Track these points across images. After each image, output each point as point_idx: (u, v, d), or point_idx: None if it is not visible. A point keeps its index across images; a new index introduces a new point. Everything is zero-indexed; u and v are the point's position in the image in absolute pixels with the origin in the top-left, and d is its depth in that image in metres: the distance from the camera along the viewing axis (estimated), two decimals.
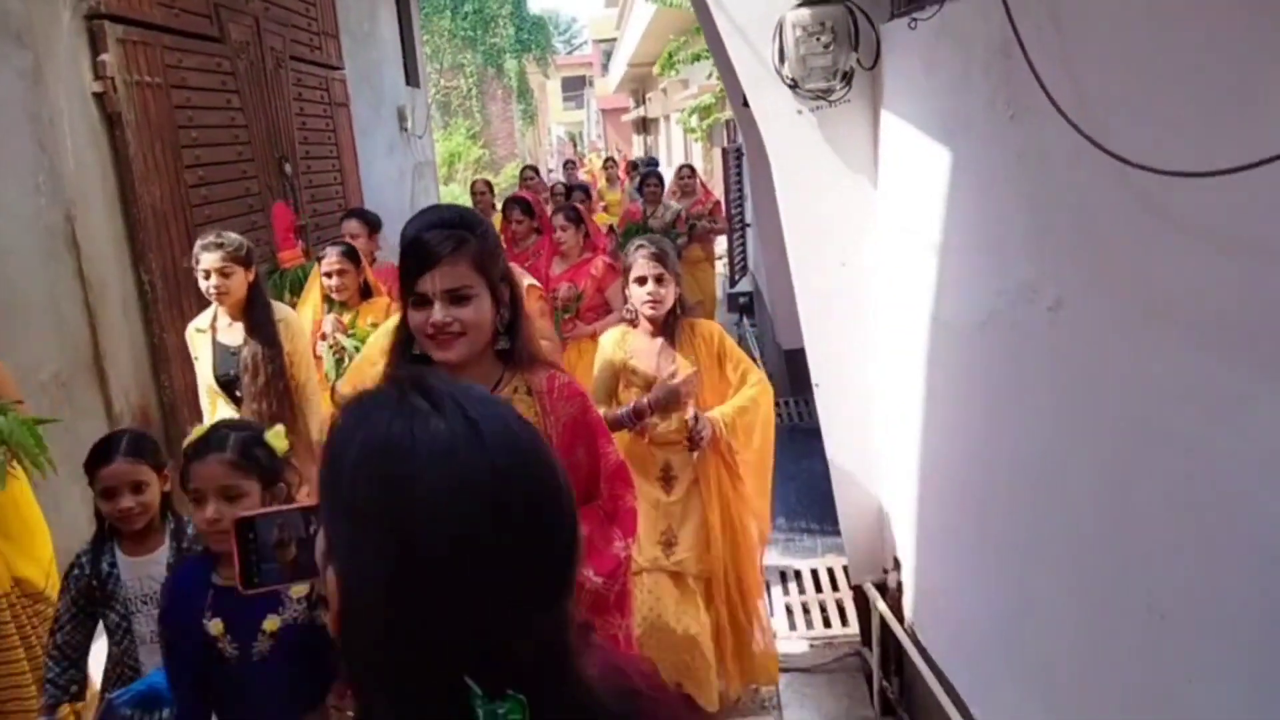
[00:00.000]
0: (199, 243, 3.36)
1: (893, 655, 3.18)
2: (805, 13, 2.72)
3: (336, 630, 0.76)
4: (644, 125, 28.06)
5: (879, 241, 2.93)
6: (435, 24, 20.23)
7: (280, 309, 3.54)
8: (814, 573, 4.23)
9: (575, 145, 40.02)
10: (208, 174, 4.83)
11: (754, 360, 7.64)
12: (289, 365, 3.45)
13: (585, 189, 7.29)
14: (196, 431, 1.97)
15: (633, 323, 3.00)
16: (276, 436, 1.97)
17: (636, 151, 31.47)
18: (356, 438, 0.75)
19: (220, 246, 3.30)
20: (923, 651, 2.92)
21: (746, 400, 2.97)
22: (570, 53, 44.98)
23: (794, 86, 2.82)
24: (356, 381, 2.10)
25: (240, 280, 3.33)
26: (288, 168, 5.85)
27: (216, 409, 3.46)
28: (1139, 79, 1.50)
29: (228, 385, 3.43)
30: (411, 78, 10.20)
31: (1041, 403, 1.97)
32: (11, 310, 3.75)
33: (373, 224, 4.89)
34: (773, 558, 4.30)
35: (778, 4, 2.78)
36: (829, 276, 3.08)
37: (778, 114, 2.94)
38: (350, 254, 4.10)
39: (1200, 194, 1.35)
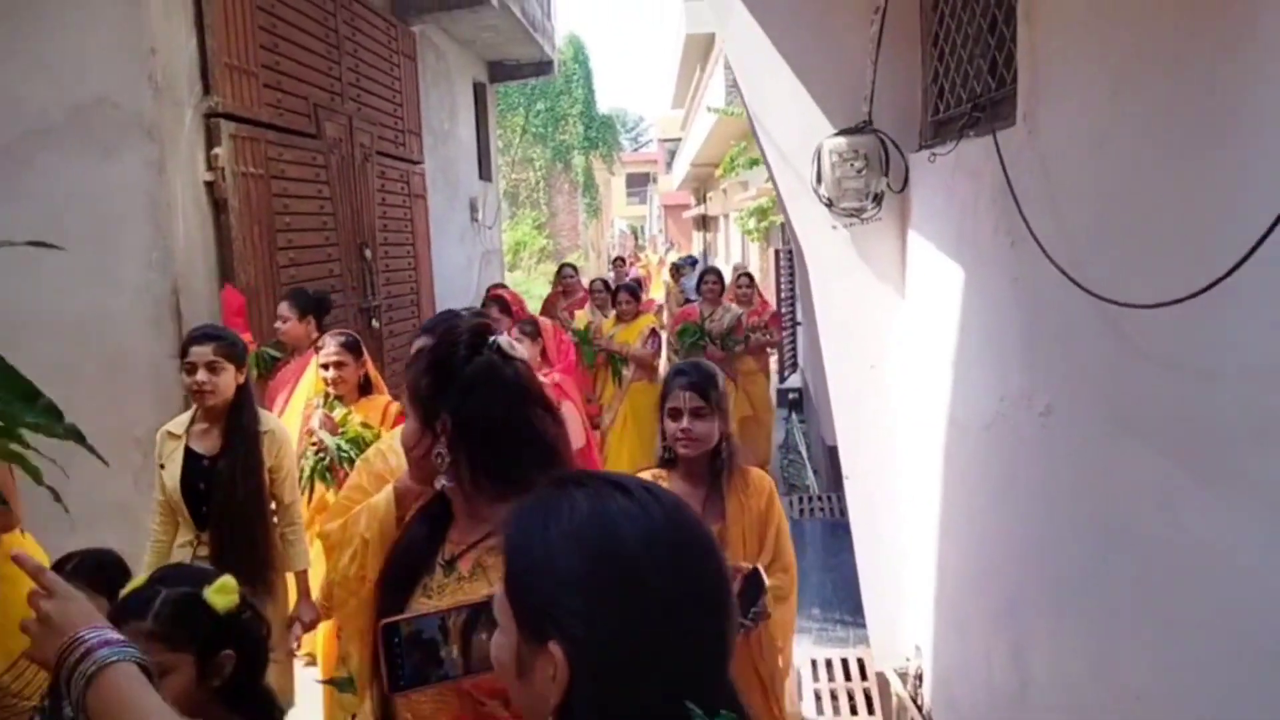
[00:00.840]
0: (189, 333, 3.09)
1: None
2: (841, 140, 3.05)
3: (556, 711, 0.81)
4: (704, 222, 28.82)
5: (905, 347, 3.18)
6: (509, 120, 21.31)
7: (267, 419, 3.20)
8: (844, 662, 4.34)
9: (636, 238, 41.13)
10: (297, 256, 5.29)
11: (804, 461, 7.82)
12: (270, 484, 3.09)
13: (633, 288, 6.81)
14: (134, 583, 1.68)
15: (670, 464, 2.49)
16: (222, 592, 1.62)
17: (696, 248, 32.23)
18: (551, 528, 0.82)
19: (212, 339, 3.00)
20: None
21: (780, 586, 2.46)
22: (636, 149, 46.58)
23: (829, 205, 3.13)
24: (342, 513, 1.81)
25: (229, 380, 2.98)
26: (368, 253, 6.33)
27: (169, 529, 3.07)
28: (1107, 219, 1.76)
29: (194, 501, 3.02)
30: (484, 172, 10.84)
31: (1034, 498, 2.18)
32: (117, 369, 4.17)
33: (305, 307, 4.34)
34: (805, 647, 4.44)
35: (817, 131, 3.11)
36: (859, 378, 3.33)
37: (815, 228, 3.25)
38: (351, 345, 3.78)
39: (1152, 322, 1.59)
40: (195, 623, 1.58)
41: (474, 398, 1.51)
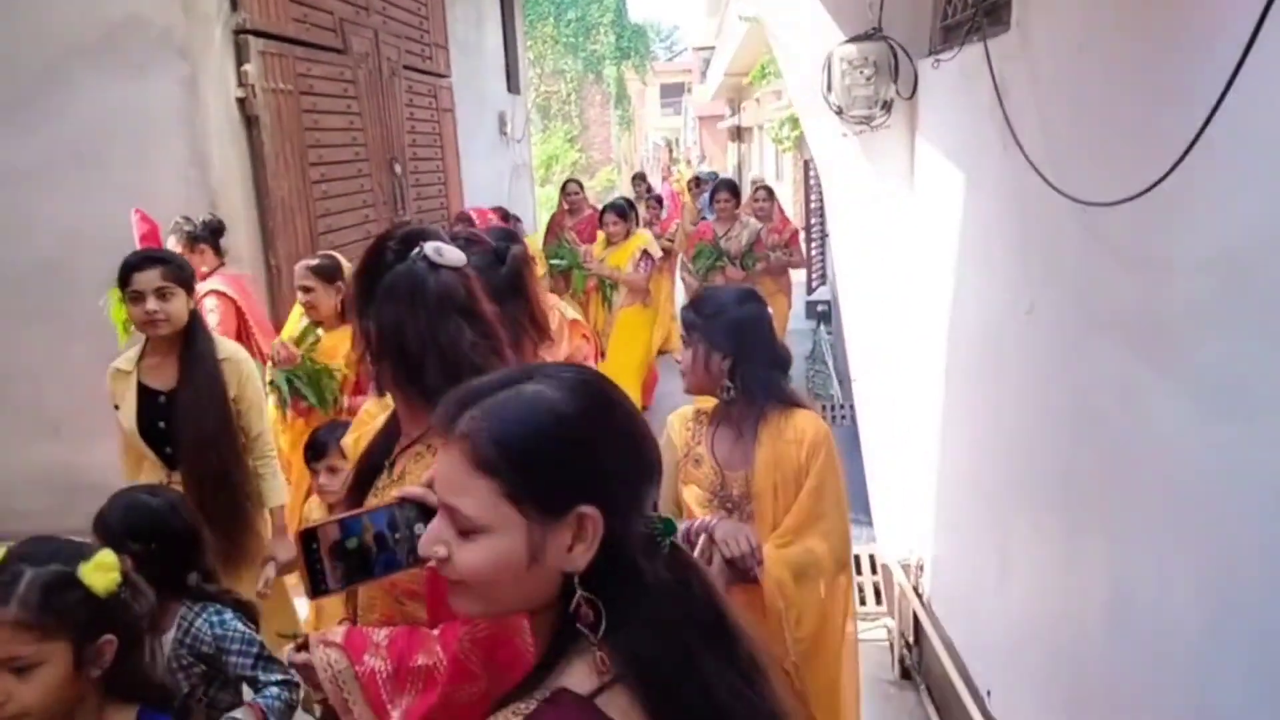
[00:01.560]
0: (128, 259, 2.78)
1: (911, 627, 3.49)
2: (851, 48, 3.08)
3: (581, 577, 0.90)
4: (738, 134, 28.35)
5: (911, 252, 3.26)
6: (538, 30, 20.98)
7: (225, 345, 2.94)
8: (856, 558, 4.55)
9: (671, 151, 40.54)
10: (328, 172, 5.42)
11: (830, 372, 7.86)
12: (236, 416, 2.85)
13: (620, 206, 6.35)
14: None
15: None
16: (100, 570, 1.41)
17: (730, 160, 31.70)
18: (539, 410, 0.91)
19: (160, 262, 2.73)
20: (936, 624, 3.23)
21: (804, 557, 2.07)
22: (670, 59, 45.54)
23: (839, 113, 3.18)
24: (359, 428, 1.86)
25: (181, 306, 2.72)
26: (397, 168, 6.43)
27: (142, 472, 2.83)
28: (1082, 123, 1.84)
29: (156, 441, 2.80)
30: (513, 84, 10.79)
31: (1018, 395, 2.30)
32: None
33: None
34: None
35: (827, 39, 3.15)
36: (868, 282, 3.43)
37: (826, 136, 3.31)
38: (321, 270, 3.59)
39: (1116, 219, 1.68)
40: (69, 607, 1.37)
41: (388, 305, 1.49)
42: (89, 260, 4.15)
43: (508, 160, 10.25)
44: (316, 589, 1.19)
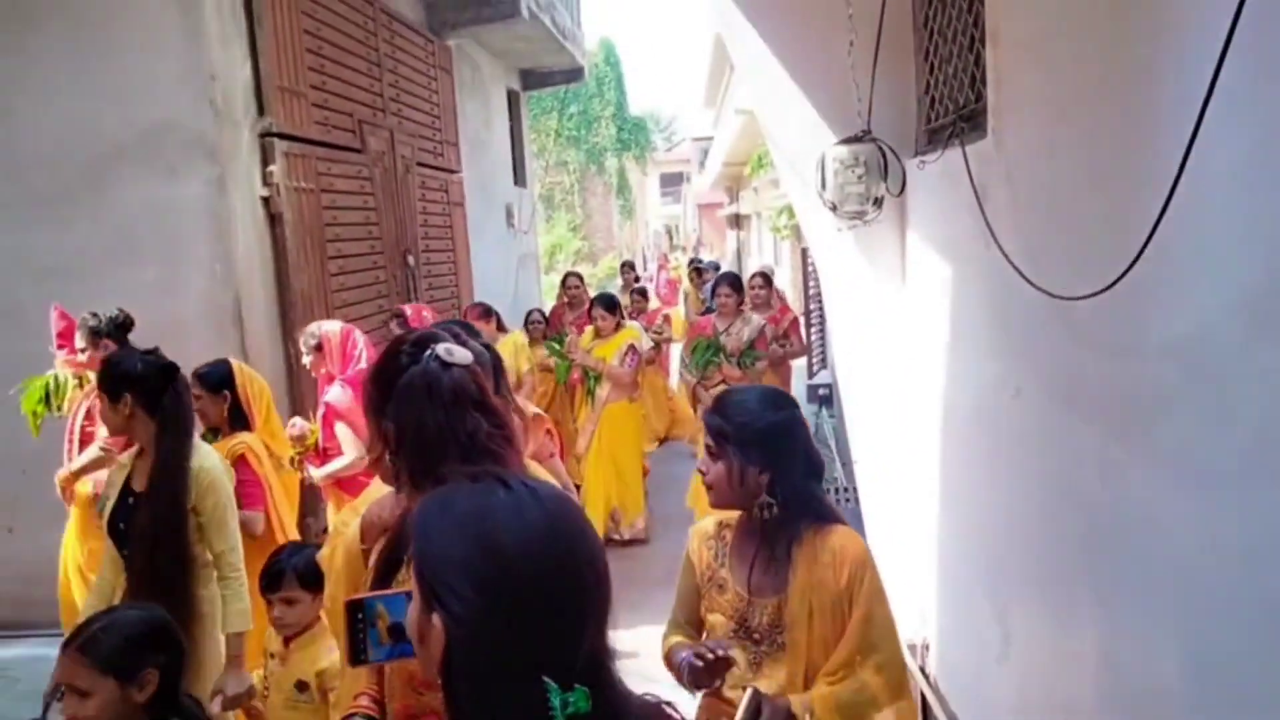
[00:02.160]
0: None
1: (920, 709, 3.54)
2: (843, 149, 3.31)
3: (439, 669, 0.94)
4: (737, 221, 28.98)
5: (905, 338, 3.43)
6: (542, 124, 21.69)
7: (202, 454, 2.83)
8: None
9: (671, 238, 41.38)
10: (345, 264, 5.65)
11: (833, 455, 7.93)
12: (195, 529, 2.72)
13: (608, 299, 6.24)
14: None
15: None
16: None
17: (730, 246, 32.28)
18: (444, 516, 0.96)
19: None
20: (943, 703, 3.28)
21: (859, 695, 1.89)
22: (669, 149, 46.83)
23: (834, 209, 3.38)
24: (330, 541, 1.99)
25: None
26: (411, 260, 6.68)
27: (113, 567, 2.80)
28: (1053, 222, 2.02)
29: (120, 541, 2.76)
30: (519, 178, 11.19)
31: (1010, 472, 2.43)
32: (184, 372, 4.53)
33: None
34: None
35: (820, 141, 3.37)
36: (865, 366, 3.59)
37: (821, 229, 3.51)
38: (205, 377, 3.58)
39: (1087, 311, 1.84)
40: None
41: (406, 404, 1.58)
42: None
43: (514, 250, 10.55)
44: (356, 658, 1.28)
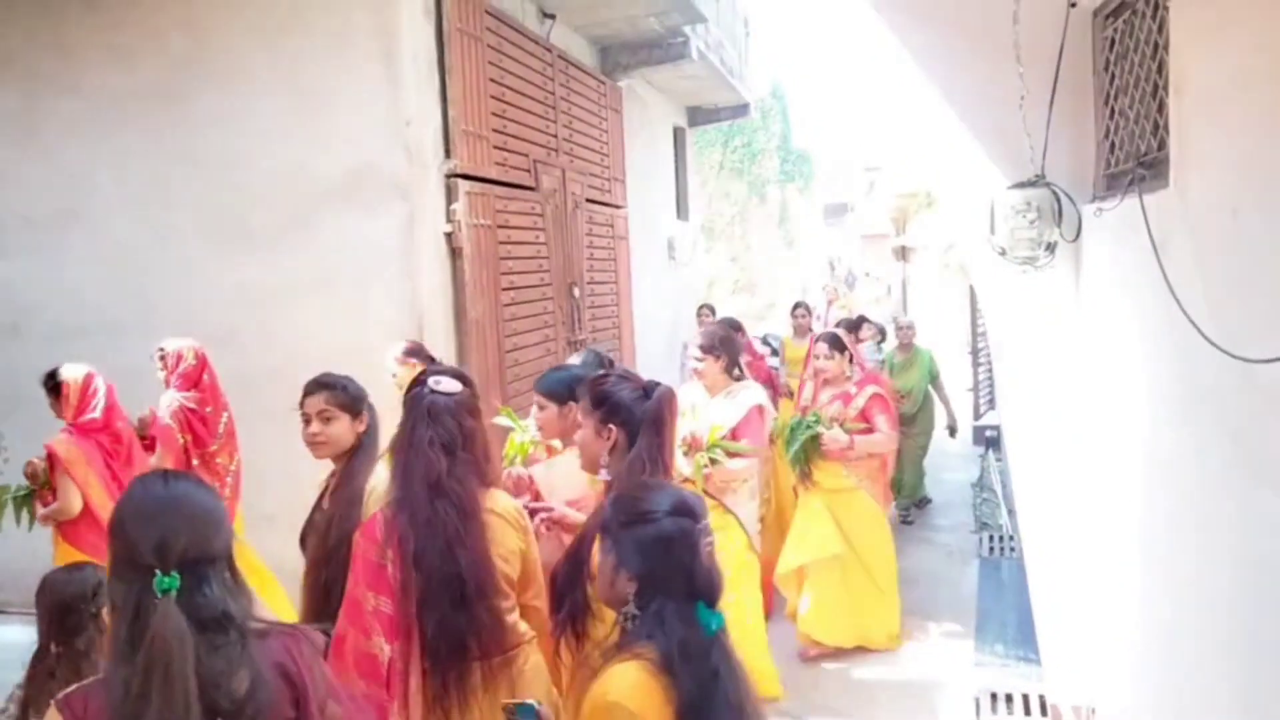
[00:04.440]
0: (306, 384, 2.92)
1: None
2: (1015, 194, 3.25)
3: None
4: (903, 253, 28.28)
5: (1078, 387, 3.31)
6: (706, 156, 22.00)
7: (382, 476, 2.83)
8: (1025, 697, 4.39)
9: (833, 269, 40.75)
10: (516, 295, 5.97)
11: (998, 500, 7.59)
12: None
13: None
14: None
15: None
16: None
17: (896, 278, 31.28)
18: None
19: (324, 387, 2.88)
20: None
21: None
22: (836, 180, 46.24)
23: (1003, 254, 3.32)
24: None
25: (342, 429, 2.87)
26: (576, 291, 6.96)
27: None
28: (1240, 280, 1.94)
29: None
30: (682, 212, 11.42)
31: (1189, 538, 2.32)
32: (371, 394, 4.91)
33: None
34: (987, 680, 4.54)
35: (989, 182, 3.33)
36: (1033, 414, 3.49)
37: (990, 273, 3.45)
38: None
39: (1274, 374, 1.76)
40: None
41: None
42: (311, 371, 4.73)
43: (675, 282, 10.76)
44: None
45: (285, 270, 5.03)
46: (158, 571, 1.43)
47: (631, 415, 2.24)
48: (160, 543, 1.45)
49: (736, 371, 4.24)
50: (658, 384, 2.35)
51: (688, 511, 1.71)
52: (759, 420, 4.04)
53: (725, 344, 4.12)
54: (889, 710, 4.34)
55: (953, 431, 8.01)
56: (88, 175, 5.27)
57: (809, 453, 4.61)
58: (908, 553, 6.53)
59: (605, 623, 1.86)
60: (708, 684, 1.57)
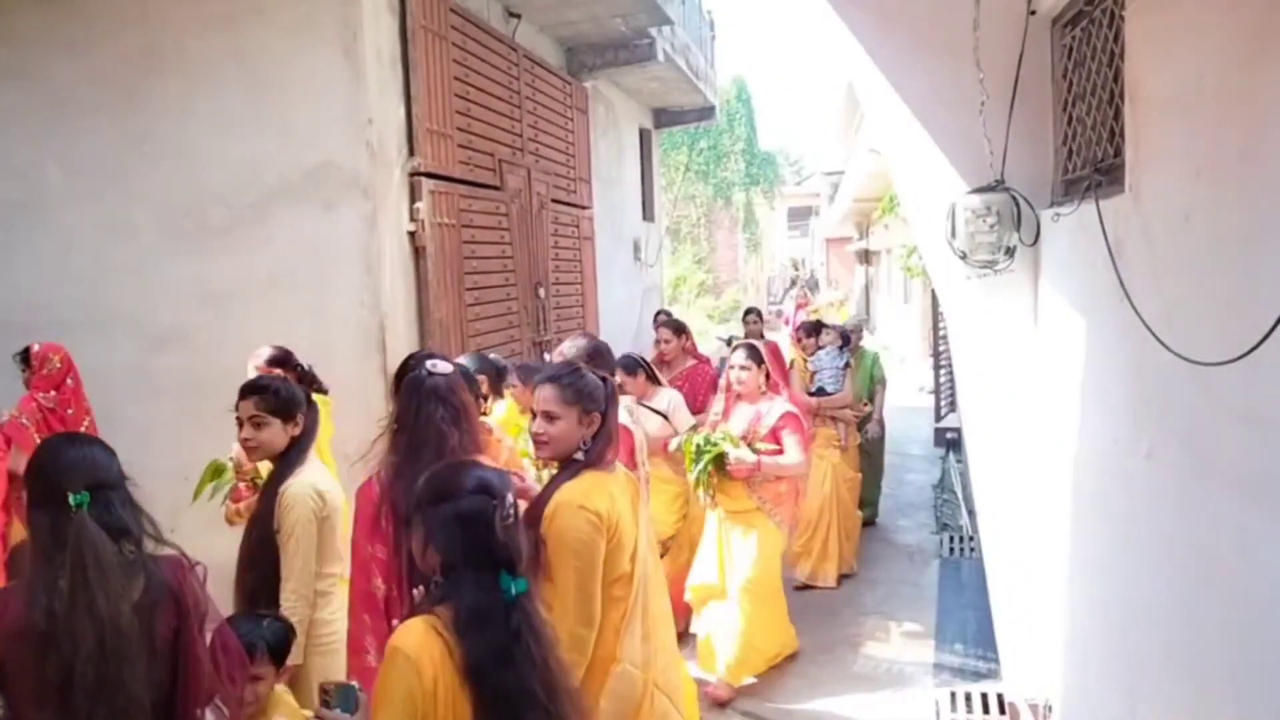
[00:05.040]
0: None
1: None
2: (974, 198, 3.28)
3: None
4: (866, 257, 28.58)
5: (1036, 388, 3.36)
6: (672, 159, 22.04)
7: (300, 473, 2.94)
8: (984, 696, 4.44)
9: (797, 270, 41.11)
10: (481, 295, 5.93)
11: (958, 501, 7.60)
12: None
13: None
14: None
15: None
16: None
17: (858, 283, 31.57)
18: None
19: (254, 392, 2.93)
20: None
21: None
22: (799, 184, 46.61)
23: (963, 257, 3.36)
24: None
25: (273, 434, 2.95)
26: (541, 292, 6.94)
27: None
28: (1190, 284, 1.97)
29: None
30: (647, 213, 11.44)
31: (1139, 534, 2.36)
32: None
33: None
34: (945, 680, 4.60)
35: (950, 187, 3.36)
36: (992, 415, 3.53)
37: (950, 277, 3.49)
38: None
39: (1226, 377, 1.79)
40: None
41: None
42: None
43: (640, 283, 10.77)
44: None
45: (242, 267, 4.94)
46: (69, 494, 1.82)
47: (607, 403, 2.48)
48: (70, 470, 1.87)
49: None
50: (606, 376, 2.59)
51: (487, 489, 1.84)
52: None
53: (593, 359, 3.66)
54: (849, 708, 4.37)
55: (874, 441, 7.07)
56: (34, 166, 5.12)
57: (713, 472, 4.31)
58: (867, 552, 6.60)
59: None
60: (504, 645, 1.73)
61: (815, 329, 7.02)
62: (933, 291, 11.20)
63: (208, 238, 4.98)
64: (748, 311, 7.55)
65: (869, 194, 19.19)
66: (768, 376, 4.52)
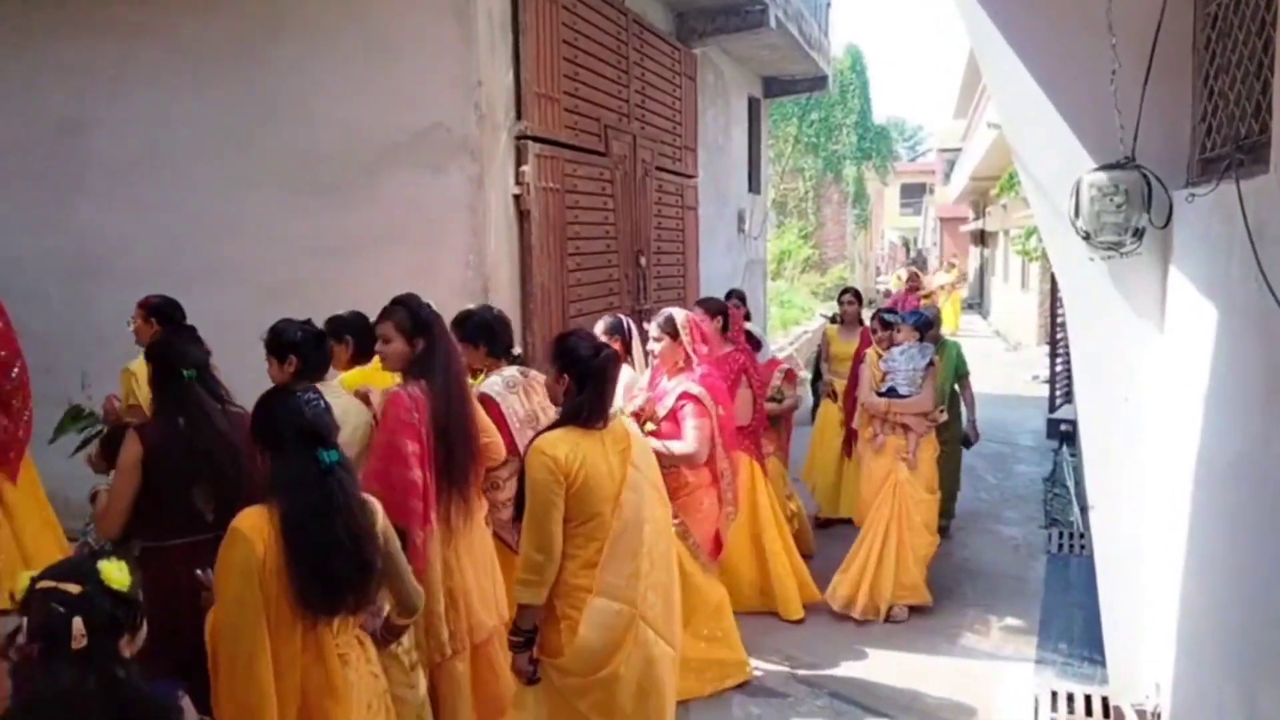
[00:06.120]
0: None
1: None
2: (1102, 176, 3.09)
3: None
4: (982, 238, 27.57)
5: (1159, 382, 3.16)
6: (781, 130, 21.56)
7: None
8: (1087, 698, 4.25)
9: (908, 250, 39.93)
10: (582, 261, 5.94)
11: (1070, 497, 7.17)
12: None
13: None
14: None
15: None
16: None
17: (972, 264, 30.42)
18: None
19: None
20: None
21: None
22: (913, 159, 45.22)
23: (1087, 238, 3.17)
24: None
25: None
26: (642, 260, 6.91)
27: None
28: None
29: None
30: (754, 184, 11.25)
31: (1267, 538, 2.19)
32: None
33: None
34: (1047, 679, 4.41)
35: (1076, 165, 3.17)
36: (1110, 409, 3.34)
37: (1072, 258, 3.30)
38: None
39: None
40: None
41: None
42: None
43: (743, 255, 10.63)
44: None
45: (353, 225, 5.07)
46: (181, 370, 2.91)
47: (587, 367, 2.75)
48: (182, 354, 2.97)
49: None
50: (606, 347, 2.89)
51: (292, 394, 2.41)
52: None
53: (482, 331, 3.89)
54: (940, 698, 4.26)
55: (967, 442, 6.37)
56: (165, 121, 5.36)
57: None
58: (970, 545, 6.39)
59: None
60: (319, 501, 2.20)
61: (889, 324, 5.52)
62: (1051, 276, 10.70)
63: (321, 195, 5.13)
64: (843, 291, 7.18)
65: (988, 171, 18.48)
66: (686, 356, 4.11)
